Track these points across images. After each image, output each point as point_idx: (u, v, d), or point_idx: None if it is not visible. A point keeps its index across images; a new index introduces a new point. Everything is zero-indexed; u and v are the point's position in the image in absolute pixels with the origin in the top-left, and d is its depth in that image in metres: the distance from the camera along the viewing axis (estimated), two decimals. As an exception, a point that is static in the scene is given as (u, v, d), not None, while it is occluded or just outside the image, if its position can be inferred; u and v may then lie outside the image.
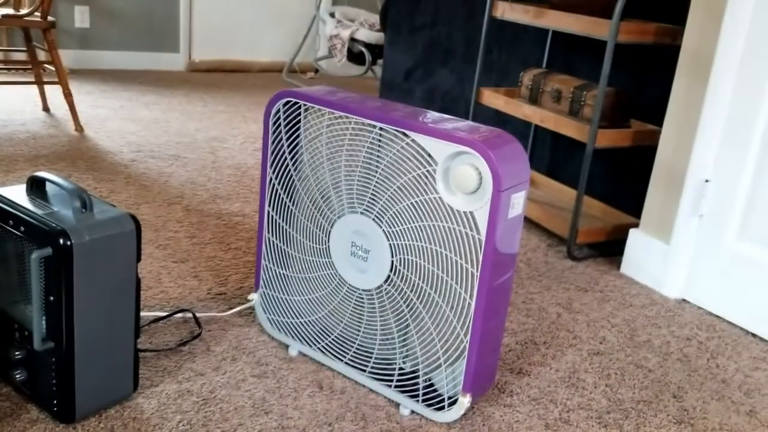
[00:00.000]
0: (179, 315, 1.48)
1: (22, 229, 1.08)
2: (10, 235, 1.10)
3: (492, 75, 2.82)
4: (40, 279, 1.06)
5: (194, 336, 1.41)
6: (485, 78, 2.85)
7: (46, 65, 3.05)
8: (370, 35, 4.10)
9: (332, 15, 4.40)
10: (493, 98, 2.27)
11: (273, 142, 1.35)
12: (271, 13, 4.60)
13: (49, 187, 1.18)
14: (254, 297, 1.45)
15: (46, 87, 3.33)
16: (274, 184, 1.37)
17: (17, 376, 1.14)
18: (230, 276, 1.69)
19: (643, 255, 1.90)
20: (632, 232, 1.94)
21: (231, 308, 1.53)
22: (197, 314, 1.49)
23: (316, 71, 4.72)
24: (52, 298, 1.06)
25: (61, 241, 1.03)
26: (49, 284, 1.06)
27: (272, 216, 1.39)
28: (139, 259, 1.14)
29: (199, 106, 3.46)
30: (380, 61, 4.09)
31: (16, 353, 1.14)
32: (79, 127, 2.80)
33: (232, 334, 1.43)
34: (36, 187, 1.17)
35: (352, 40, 4.16)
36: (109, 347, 1.12)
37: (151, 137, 2.83)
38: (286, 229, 1.39)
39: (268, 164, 1.36)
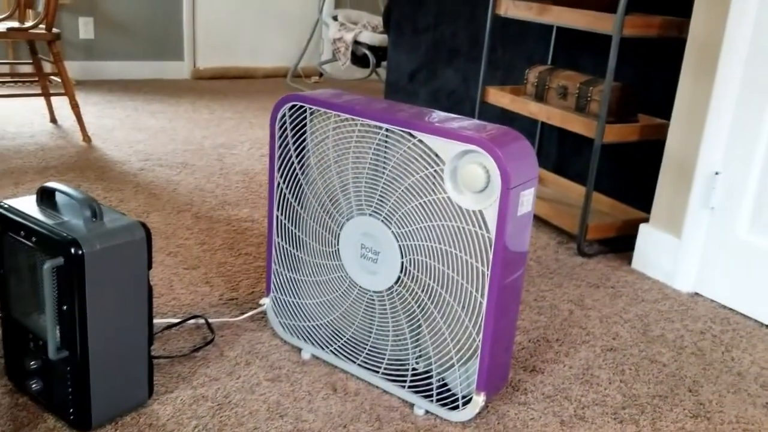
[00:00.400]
0: (192, 321, 1.48)
1: (34, 239, 1.08)
2: (22, 245, 1.11)
3: (497, 73, 2.82)
4: (53, 289, 1.06)
5: (207, 342, 1.41)
6: (490, 76, 2.84)
7: (52, 77, 3.07)
8: (373, 37, 4.11)
9: (335, 18, 4.40)
10: (498, 97, 2.27)
11: (280, 146, 1.35)
12: (273, 18, 4.62)
13: (59, 197, 1.19)
14: (266, 301, 1.45)
15: (53, 99, 3.35)
16: (282, 189, 1.38)
17: (33, 385, 1.15)
18: (241, 281, 1.70)
19: (654, 249, 1.89)
20: (642, 226, 1.93)
21: (243, 313, 1.53)
22: (210, 320, 1.49)
23: (321, 75, 4.73)
24: (65, 307, 1.06)
25: (73, 250, 1.03)
26: (62, 294, 1.06)
27: (281, 220, 1.40)
28: (150, 267, 1.15)
29: (206, 114, 3.47)
30: (384, 63, 4.09)
31: (32, 363, 1.14)
32: (86, 137, 2.82)
33: (245, 338, 1.44)
34: (46, 198, 1.18)
35: (356, 42, 4.17)
36: (123, 355, 1.13)
37: (158, 146, 2.84)
38: (295, 233, 1.39)
39: (276, 169, 1.37)
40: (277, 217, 1.40)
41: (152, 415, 1.17)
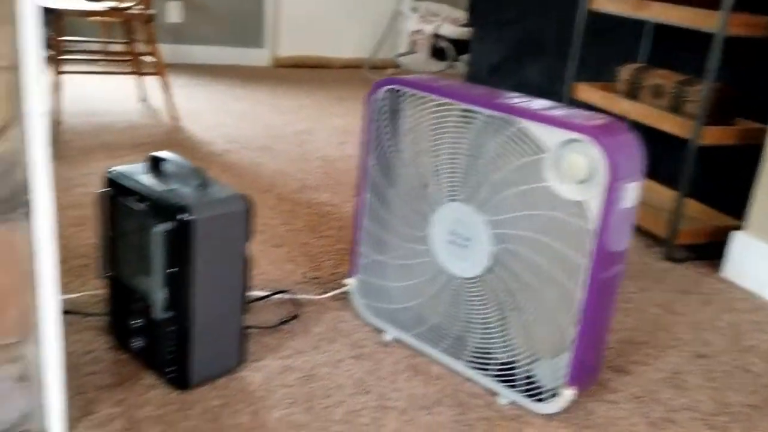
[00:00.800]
0: (278, 296, 1.52)
1: (146, 204, 1.13)
2: (134, 210, 1.16)
3: (584, 70, 2.76)
4: (162, 252, 1.11)
5: (292, 316, 1.45)
6: (577, 73, 2.79)
7: (143, 57, 3.19)
8: (453, 30, 4.10)
9: (415, 10, 4.41)
10: (589, 93, 2.22)
11: (374, 129, 1.37)
12: (352, 9, 4.66)
13: (167, 166, 1.23)
14: (350, 282, 1.47)
15: (143, 78, 3.48)
16: (374, 171, 1.39)
17: (136, 344, 1.20)
18: (324, 262, 1.72)
19: (748, 258, 1.81)
20: (736, 234, 1.86)
21: (326, 292, 1.56)
22: (294, 296, 1.53)
23: (397, 67, 4.75)
24: (172, 270, 1.11)
25: (184, 216, 1.08)
26: (170, 257, 1.11)
27: (371, 202, 1.41)
28: (249, 238, 1.18)
29: (285, 101, 3.54)
30: (463, 57, 4.07)
31: (135, 322, 1.20)
32: (174, 117, 2.92)
33: (329, 316, 1.46)
34: (156, 166, 1.23)
35: (436, 35, 4.16)
36: (221, 320, 1.17)
37: (241, 129, 2.92)
38: (384, 216, 1.40)
39: (369, 151, 1.38)
40: (367, 199, 1.41)
41: (243, 381, 1.21)
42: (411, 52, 4.45)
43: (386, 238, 1.41)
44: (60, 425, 1.05)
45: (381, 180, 1.39)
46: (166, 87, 2.89)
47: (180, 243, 1.09)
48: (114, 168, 1.22)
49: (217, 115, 3.10)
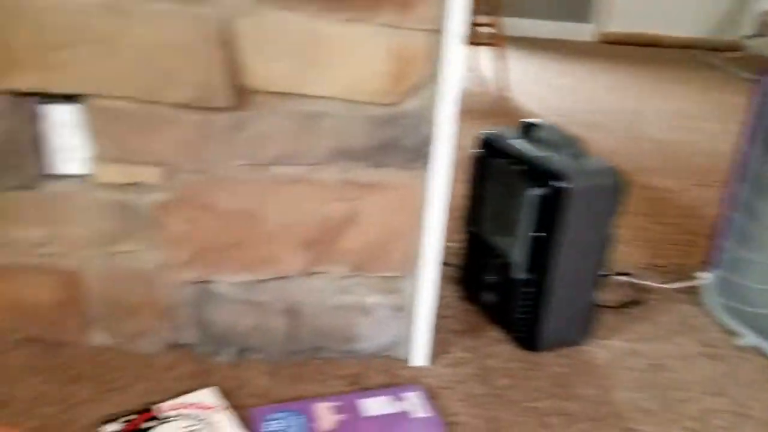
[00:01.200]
0: (621, 277, 1.48)
1: (522, 168, 1.17)
2: (508, 172, 1.21)
3: None
4: (531, 215, 1.15)
5: (634, 301, 1.40)
6: None
7: (482, 28, 3.31)
8: (827, 9, 3.50)
9: (777, -15, 3.86)
10: None
11: (764, 115, 1.23)
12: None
13: (539, 132, 1.26)
14: (705, 276, 1.37)
15: (476, 48, 3.62)
16: (756, 162, 1.26)
17: (487, 298, 1.27)
18: (666, 250, 1.63)
19: None
20: None
21: (671, 282, 1.47)
22: (637, 281, 1.47)
23: (740, 50, 4.23)
24: (538, 234, 1.14)
25: (561, 183, 1.09)
26: (540, 221, 1.14)
27: (747, 195, 1.28)
28: (617, 214, 1.16)
29: (611, 78, 3.40)
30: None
31: (491, 278, 1.27)
32: (502, 87, 2.99)
33: (675, 308, 1.38)
34: (527, 132, 1.27)
35: (801, 14, 3.60)
36: (577, 291, 1.18)
37: (567, 103, 2.88)
38: (761, 211, 1.26)
39: (754, 139, 1.25)
40: (742, 190, 1.29)
41: (589, 355, 1.21)
42: (760, 34, 3.93)
43: (760, 235, 1.27)
44: (423, 356, 1.17)
45: (764, 172, 1.25)
46: (502, 58, 2.97)
47: (551, 209, 1.12)
48: (488, 132, 1.29)
49: (541, 87, 3.10)
